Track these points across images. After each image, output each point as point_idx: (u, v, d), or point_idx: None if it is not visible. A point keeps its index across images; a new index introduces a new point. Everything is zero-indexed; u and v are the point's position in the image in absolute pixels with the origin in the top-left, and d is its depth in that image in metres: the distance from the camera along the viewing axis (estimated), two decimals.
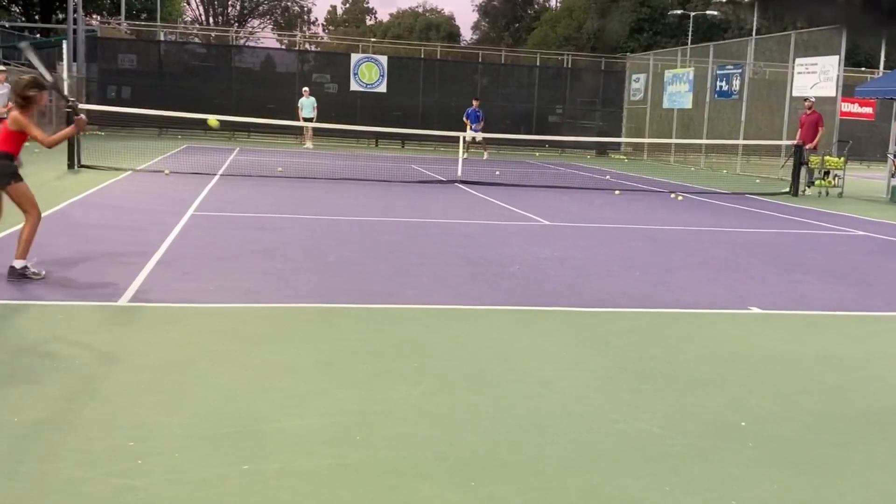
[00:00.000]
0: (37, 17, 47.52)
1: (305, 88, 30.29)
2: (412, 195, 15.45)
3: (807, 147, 19.69)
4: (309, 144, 29.71)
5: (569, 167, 26.70)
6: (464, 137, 21.50)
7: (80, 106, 19.15)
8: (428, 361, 5.35)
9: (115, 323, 5.94)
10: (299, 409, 4.41)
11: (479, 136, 26.89)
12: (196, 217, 11.12)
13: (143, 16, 49.52)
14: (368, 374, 5.05)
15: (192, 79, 34.55)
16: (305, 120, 28.38)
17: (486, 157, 28.66)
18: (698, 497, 3.61)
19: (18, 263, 7.00)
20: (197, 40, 50.63)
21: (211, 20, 78.57)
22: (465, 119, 28.64)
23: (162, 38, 40.80)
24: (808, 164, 19.72)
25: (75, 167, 16.63)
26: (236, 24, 76.89)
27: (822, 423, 4.61)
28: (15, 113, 6.89)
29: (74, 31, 29.67)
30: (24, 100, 6.95)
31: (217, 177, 16.82)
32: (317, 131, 30.01)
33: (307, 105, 29.24)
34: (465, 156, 28.30)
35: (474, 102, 28.95)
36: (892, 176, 19.12)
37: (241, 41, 52.42)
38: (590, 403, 4.73)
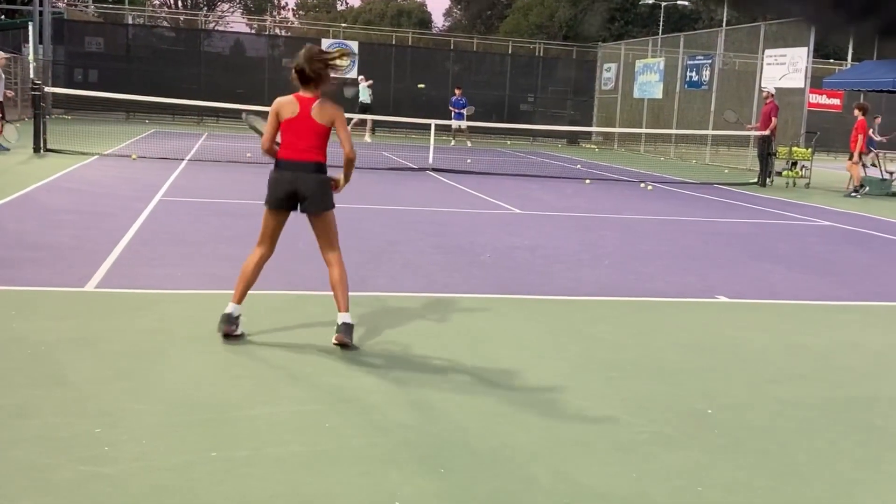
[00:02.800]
0: None
1: (361, 76, 29.34)
2: (383, 182, 15.41)
3: (762, 135, 19.79)
4: (368, 138, 27.95)
5: (540, 156, 26.75)
6: (453, 126, 21.38)
7: (46, 89, 18.87)
8: (398, 349, 5.35)
9: (82, 309, 5.88)
10: (269, 397, 4.39)
11: (464, 124, 26.87)
12: (164, 202, 11.02)
13: None
14: (339, 362, 5.04)
15: (160, 63, 34.15)
16: (364, 106, 27.34)
17: (469, 144, 28.65)
18: (666, 483, 3.64)
19: None
20: (165, 24, 50.10)
21: (180, 4, 77.70)
22: (451, 107, 28.64)
23: (130, 22, 40.36)
24: (775, 155, 19.88)
25: (41, 151, 16.40)
26: (205, 9, 76.11)
27: (787, 410, 4.66)
28: None
29: (41, 14, 29.21)
30: None
31: (185, 162, 16.67)
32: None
33: (363, 92, 28.19)
34: (453, 143, 28.29)
35: (457, 91, 28.95)
36: (867, 168, 19.29)
37: (211, 25, 51.88)
38: (560, 391, 4.75)
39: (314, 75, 5.27)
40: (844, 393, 5.07)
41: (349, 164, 5.45)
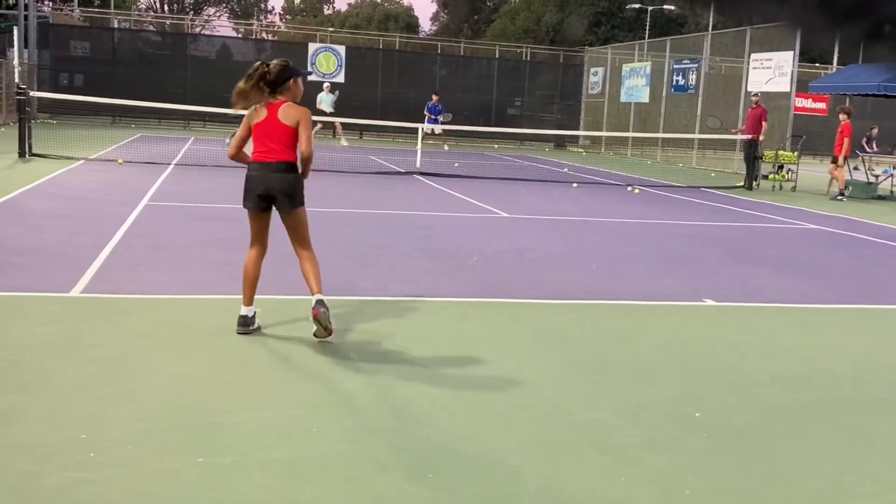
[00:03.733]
0: None
1: (327, 84, 29.48)
2: (370, 186, 15.39)
3: (748, 139, 19.89)
4: (343, 141, 28.18)
5: (527, 159, 26.79)
6: (422, 129, 21.45)
7: (32, 94, 18.80)
8: (385, 353, 5.34)
9: (67, 314, 5.84)
10: (255, 402, 4.37)
11: (439, 128, 26.88)
12: (150, 207, 10.97)
13: (97, 2, 48.72)
14: (325, 367, 5.02)
15: (146, 67, 34.05)
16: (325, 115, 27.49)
17: (446, 147, 28.67)
18: (653, 487, 3.64)
19: None
20: (151, 28, 49.97)
21: (166, 8, 77.53)
22: (425, 111, 28.67)
23: (116, 26, 40.17)
24: (761, 159, 19.97)
25: (26, 156, 16.31)
26: (191, 13, 75.98)
27: (774, 413, 4.67)
28: None
29: (26, 18, 29.10)
30: None
31: (171, 166, 16.61)
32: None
33: (327, 100, 28.40)
34: (447, 148, 28.33)
35: (434, 97, 28.98)
36: (855, 170, 19.39)
37: (197, 29, 51.84)
38: (547, 395, 4.74)
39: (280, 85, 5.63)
40: (831, 395, 5.09)
41: (306, 162, 5.64)
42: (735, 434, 4.31)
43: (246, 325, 5.53)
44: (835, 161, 18.31)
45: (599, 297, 7.39)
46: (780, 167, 20.21)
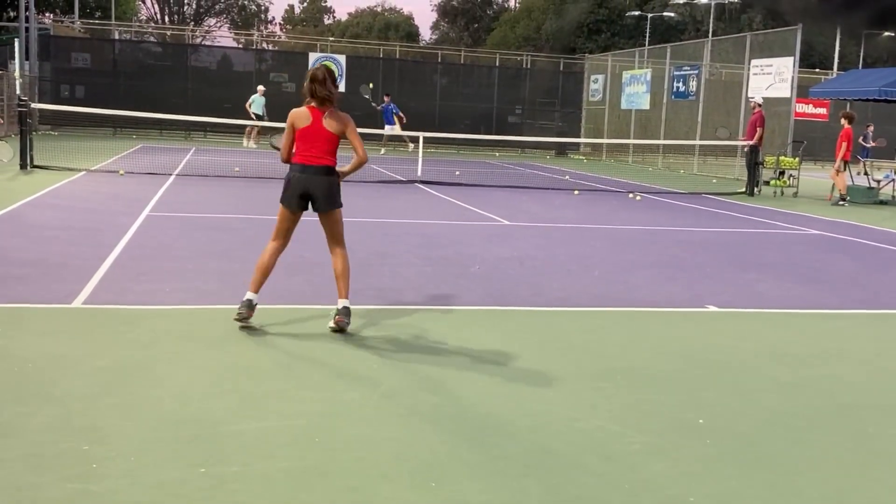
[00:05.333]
0: None
1: (260, 87, 29.90)
2: (372, 195, 15.40)
3: (750, 145, 19.88)
4: (252, 143, 28.81)
5: (528, 167, 26.80)
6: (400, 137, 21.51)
7: (33, 105, 18.86)
8: (387, 362, 5.33)
9: (69, 325, 5.84)
10: (258, 412, 4.36)
11: (397, 129, 27.14)
12: (152, 218, 10.98)
13: (98, 14, 48.91)
14: (327, 376, 5.02)
15: (147, 78, 34.12)
16: (257, 117, 27.97)
17: (411, 149, 28.60)
18: (657, 494, 3.63)
19: None
20: (152, 39, 50.08)
21: (166, 19, 77.76)
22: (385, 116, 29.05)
23: (116, 37, 40.28)
24: (762, 164, 19.98)
25: (28, 167, 16.34)
26: (192, 23, 76.15)
27: (778, 419, 4.66)
28: None
29: (27, 30, 29.19)
30: None
31: (173, 177, 16.63)
32: (278, 132, 29.55)
33: (258, 103, 28.78)
34: (383, 152, 28.44)
35: (386, 98, 29.17)
36: (857, 175, 19.37)
37: (198, 40, 51.92)
38: (550, 403, 4.73)
39: (326, 96, 5.97)
40: (835, 401, 5.07)
41: (359, 165, 6.21)
42: (739, 440, 4.30)
43: (250, 308, 5.86)
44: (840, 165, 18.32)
45: (602, 303, 7.38)
46: (782, 173, 20.21)
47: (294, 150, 6.03)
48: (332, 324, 5.92)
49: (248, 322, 5.88)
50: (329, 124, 5.94)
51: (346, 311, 5.92)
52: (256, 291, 5.96)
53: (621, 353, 5.82)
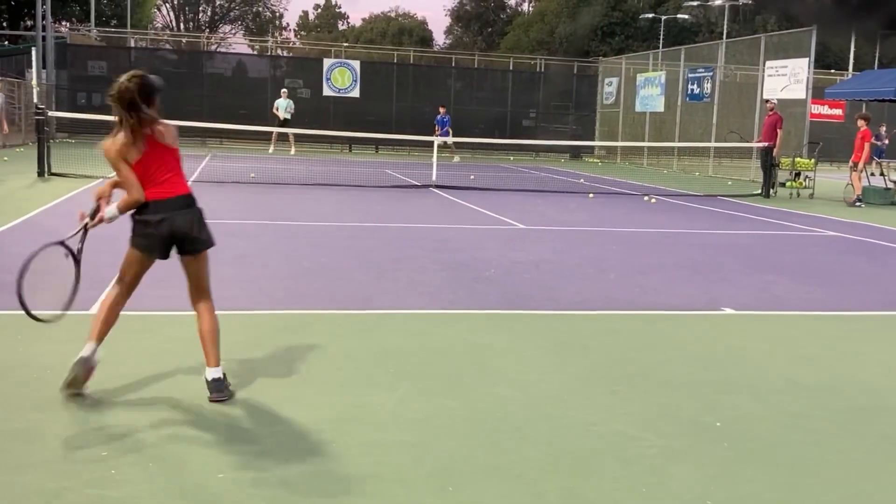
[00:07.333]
0: (5, 24, 47.05)
1: (284, 90, 30.07)
2: (387, 200, 15.43)
3: (765, 146, 19.81)
4: (292, 150, 29.15)
5: (543, 171, 26.78)
6: (436, 142, 21.56)
7: (50, 114, 18.99)
8: (404, 367, 5.34)
9: (87, 332, 5.86)
10: (272, 417, 4.37)
11: (450, 140, 27.15)
12: None
13: (114, 22, 49.17)
14: (345, 381, 5.03)
15: (162, 85, 34.26)
16: (285, 122, 28.17)
17: (456, 159, 28.77)
18: (675, 498, 3.62)
19: None
20: (168, 46, 50.33)
21: (182, 26, 78.18)
22: (435, 125, 29.08)
23: (132, 45, 40.54)
24: (778, 166, 19.89)
25: (45, 175, 16.45)
26: (207, 30, 76.53)
27: (796, 422, 4.64)
28: None
29: (44, 38, 29.39)
30: None
31: (189, 183, 16.67)
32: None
33: (283, 106, 29.01)
34: (454, 158, 28.55)
35: (441, 109, 29.30)
36: (872, 176, 19.24)
37: (213, 47, 52.12)
38: (567, 406, 4.73)
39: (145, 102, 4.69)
40: (853, 403, 5.04)
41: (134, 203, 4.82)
42: (756, 443, 4.29)
43: (86, 368, 4.58)
44: (856, 167, 18.22)
45: (618, 307, 7.37)
46: (797, 174, 20.12)
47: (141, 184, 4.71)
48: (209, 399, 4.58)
49: (82, 390, 4.54)
50: (165, 137, 4.77)
51: (218, 385, 4.57)
52: (100, 341, 4.71)
53: (637, 357, 5.81)
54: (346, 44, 52.02)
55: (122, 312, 4.86)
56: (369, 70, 36.60)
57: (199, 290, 4.87)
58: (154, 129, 4.67)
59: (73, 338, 5.69)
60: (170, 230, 4.70)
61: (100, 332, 4.73)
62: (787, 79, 23.40)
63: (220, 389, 4.57)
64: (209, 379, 4.61)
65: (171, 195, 4.75)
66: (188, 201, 4.82)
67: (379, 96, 35.36)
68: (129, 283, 4.87)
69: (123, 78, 4.66)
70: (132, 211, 4.76)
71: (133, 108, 4.59)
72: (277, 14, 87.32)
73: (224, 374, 4.66)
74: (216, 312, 4.88)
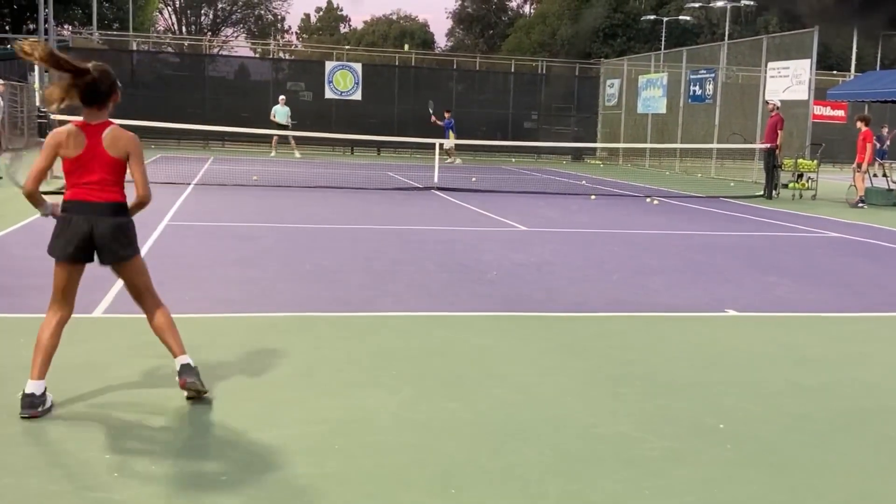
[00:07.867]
0: (7, 27, 47.17)
1: (282, 97, 30.16)
2: (389, 202, 15.43)
3: (767, 148, 19.81)
4: (297, 154, 29.20)
5: (545, 173, 26.78)
6: (440, 144, 21.57)
7: (52, 117, 19.01)
8: (406, 369, 5.33)
9: (91, 334, 5.88)
10: (277, 419, 4.37)
11: (449, 143, 27.26)
12: (170, 227, 11.04)
13: (116, 26, 49.30)
14: (347, 383, 5.03)
15: (165, 88, 34.35)
16: (282, 127, 28.22)
17: (458, 161, 28.79)
18: (677, 499, 3.62)
19: None
20: (170, 50, 50.43)
21: (184, 29, 78.29)
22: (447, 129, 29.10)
23: (134, 48, 40.59)
24: (780, 167, 19.88)
25: (48, 178, 16.44)
26: (209, 34, 76.62)
27: (799, 424, 4.63)
28: None
29: (46, 42, 29.43)
30: None
31: (191, 186, 16.72)
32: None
33: (282, 114, 29.08)
34: (449, 160, 28.57)
35: (446, 114, 29.30)
36: (875, 177, 19.21)
37: (215, 50, 52.25)
38: (569, 408, 4.72)
39: (107, 92, 4.42)
40: (856, 405, 5.04)
41: (140, 207, 4.51)
42: (760, 445, 4.28)
43: (33, 407, 4.24)
44: (860, 167, 18.20)
45: (620, 308, 7.36)
46: (800, 176, 20.11)
47: (65, 183, 4.45)
48: (185, 394, 4.55)
49: (41, 413, 4.25)
50: (112, 146, 4.38)
51: (188, 370, 4.51)
52: (41, 378, 4.32)
53: (640, 358, 5.80)
54: (347, 46, 52.12)
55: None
56: (371, 72, 36.62)
57: (139, 296, 4.66)
58: (104, 132, 4.40)
59: (75, 341, 5.70)
60: (87, 231, 4.39)
61: (40, 366, 4.36)
62: (789, 80, 23.40)
63: (196, 375, 4.53)
64: (182, 365, 4.53)
65: (94, 200, 4.41)
66: (115, 209, 4.45)
67: (381, 99, 35.39)
68: (59, 300, 4.56)
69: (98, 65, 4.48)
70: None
71: (96, 94, 4.38)
72: (279, 17, 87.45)
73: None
74: (168, 311, 4.74)
